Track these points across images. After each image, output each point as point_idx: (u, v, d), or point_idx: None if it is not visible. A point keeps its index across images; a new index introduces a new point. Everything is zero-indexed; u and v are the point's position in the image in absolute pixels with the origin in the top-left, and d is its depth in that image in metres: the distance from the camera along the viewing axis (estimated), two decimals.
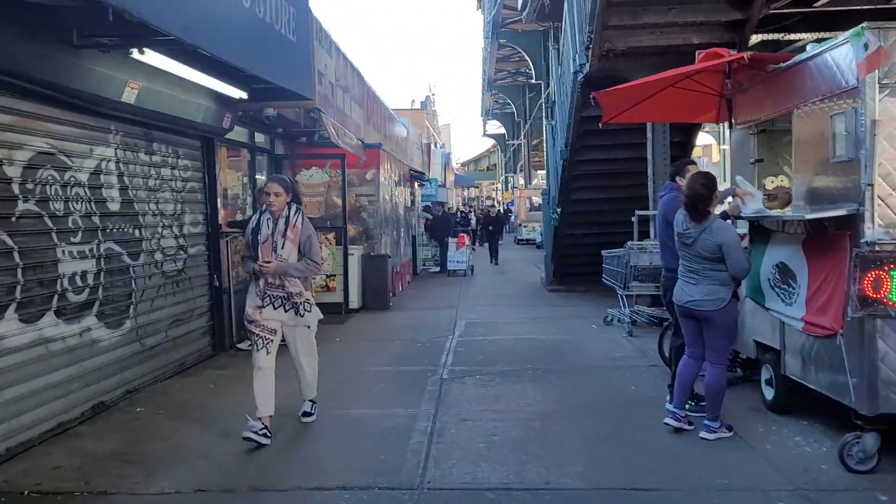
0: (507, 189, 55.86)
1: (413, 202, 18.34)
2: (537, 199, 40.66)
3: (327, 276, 11.20)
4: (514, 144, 48.59)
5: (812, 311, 4.79)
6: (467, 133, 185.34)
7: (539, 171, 53.39)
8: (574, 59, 10.18)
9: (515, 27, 30.66)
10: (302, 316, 5.42)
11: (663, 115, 7.39)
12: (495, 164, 71.49)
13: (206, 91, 7.35)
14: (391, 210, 14.11)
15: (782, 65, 5.27)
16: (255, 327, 5.36)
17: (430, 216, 19.92)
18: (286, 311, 5.38)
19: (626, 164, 11.84)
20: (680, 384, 5.28)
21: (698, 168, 5.51)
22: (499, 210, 23.10)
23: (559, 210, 13.01)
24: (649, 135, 9.91)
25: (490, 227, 23.12)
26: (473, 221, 27.95)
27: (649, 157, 9.97)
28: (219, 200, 8.50)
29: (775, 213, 5.05)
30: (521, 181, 47.07)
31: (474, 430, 5.39)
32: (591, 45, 9.32)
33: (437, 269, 19.17)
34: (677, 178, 5.64)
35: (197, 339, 8.02)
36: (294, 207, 5.37)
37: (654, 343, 8.39)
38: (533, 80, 33.02)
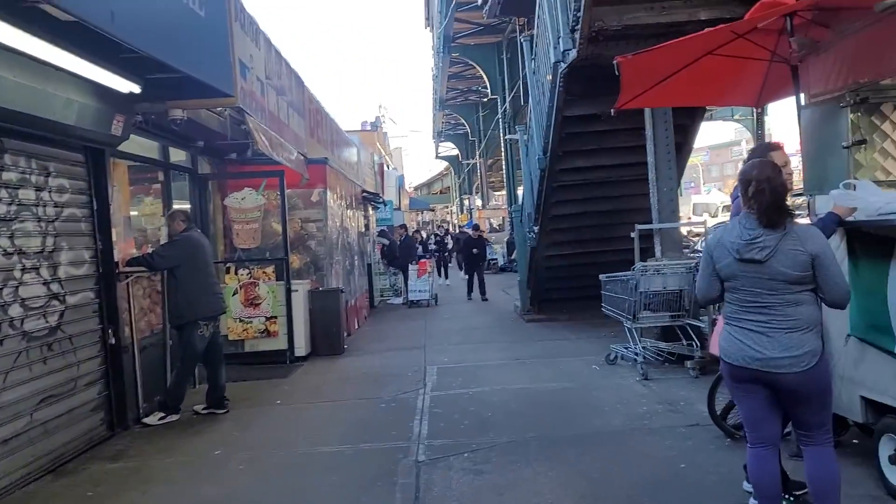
0: (462, 211, 54.41)
1: (367, 226, 16.43)
2: (496, 221, 39.19)
3: (267, 319, 9.23)
4: (468, 164, 47.14)
5: None
6: (419, 157, 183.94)
7: (496, 192, 52.20)
8: (554, 49, 8.49)
9: (468, 41, 29.26)
10: None
11: (696, 95, 5.66)
12: (448, 187, 70.19)
13: (81, 82, 5.40)
14: (343, 236, 12.19)
15: None
16: None
17: (386, 241, 17.97)
18: None
19: (617, 171, 10.21)
20: (764, 496, 3.43)
21: (785, 154, 3.79)
22: (481, 232, 19.06)
23: (536, 229, 11.29)
24: (649, 132, 8.24)
25: (474, 251, 17.19)
26: (451, 245, 24.83)
27: (650, 158, 8.30)
28: (114, 231, 6.50)
29: None
30: (479, 202, 45.59)
31: None
32: (578, 26, 7.65)
33: (399, 299, 17.25)
34: None
35: (84, 418, 5.96)
36: None
37: (677, 388, 6.73)
38: (488, 96, 31.62)
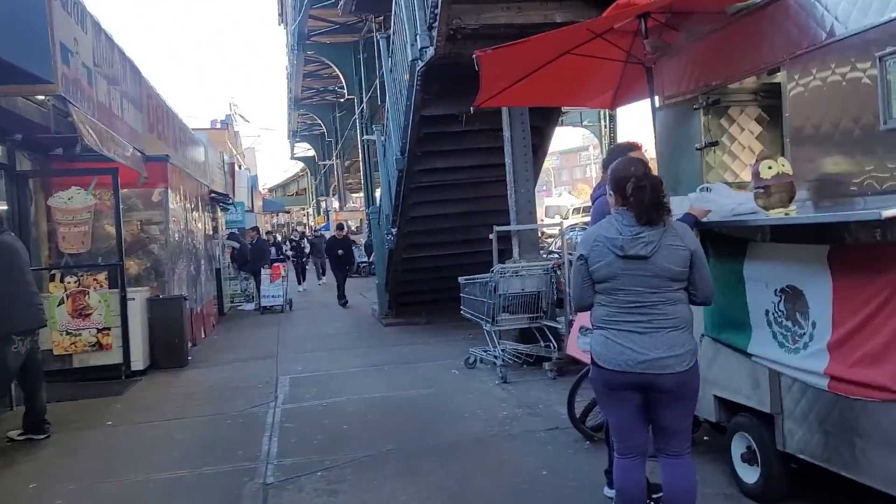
0: (319, 213, 53.36)
1: (216, 229, 15.51)
2: (353, 223, 38.65)
3: (99, 331, 8.36)
4: (325, 166, 46.30)
5: (845, 361, 3.13)
6: (273, 157, 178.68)
7: (354, 194, 51.65)
8: (412, 46, 8.28)
9: (323, 39, 28.60)
10: None
11: (554, 94, 5.58)
12: (305, 189, 68.68)
13: None
14: (187, 239, 11.36)
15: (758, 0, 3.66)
16: None
17: (236, 245, 17.02)
18: None
19: (475, 173, 10.15)
20: None
21: (643, 154, 3.75)
22: (347, 232, 17.81)
23: (394, 231, 11.05)
24: (506, 133, 8.22)
25: (339, 252, 16.07)
26: (307, 249, 23.12)
27: (508, 160, 8.28)
28: None
29: (775, 214, 3.37)
30: (336, 204, 44.87)
31: None
32: (435, 24, 7.48)
33: (251, 305, 16.43)
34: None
35: None
36: None
37: (536, 391, 6.74)
38: (345, 96, 31.05)
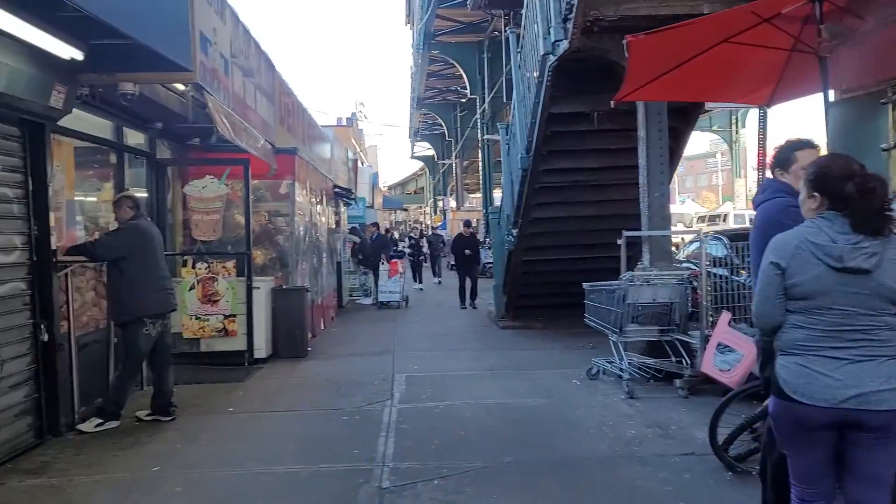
0: (436, 213, 53.80)
1: (338, 223, 15.78)
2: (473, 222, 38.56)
3: (225, 317, 8.56)
4: (444, 165, 46.59)
5: None
6: (394, 156, 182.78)
7: (471, 195, 51.73)
8: (544, 39, 7.96)
9: (449, 39, 28.71)
10: None
11: (705, 88, 5.06)
12: (422, 188, 69.54)
13: (12, 43, 4.73)
14: (311, 232, 11.54)
15: None
16: None
17: (357, 239, 17.30)
18: None
19: (603, 175, 9.71)
20: None
21: (819, 152, 3.28)
22: (473, 230, 16.72)
23: (515, 232, 10.75)
24: (641, 134, 7.73)
25: (466, 252, 15.07)
26: (426, 247, 21.65)
27: (641, 161, 7.78)
28: (52, 216, 5.80)
29: None
30: (453, 203, 45.05)
31: None
32: (571, 15, 7.12)
33: (369, 300, 16.62)
34: (778, 173, 3.38)
35: (6, 424, 5.26)
36: None
37: (667, 409, 6.25)
38: (467, 95, 31.10)
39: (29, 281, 5.61)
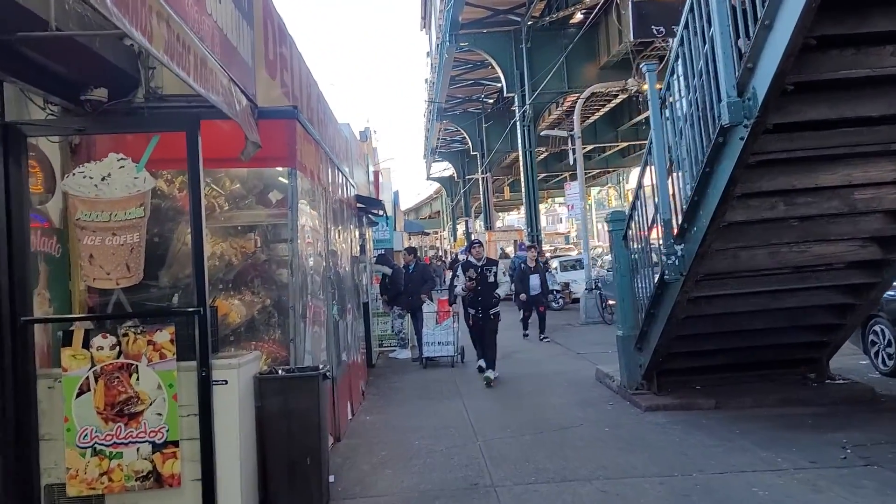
0: (455, 237, 49.35)
1: (363, 248, 11.17)
2: (508, 247, 33.73)
3: (155, 448, 4.01)
4: (468, 181, 42.08)
5: None
6: (406, 180, 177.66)
7: (502, 214, 47.23)
8: None
9: (478, 30, 24.36)
10: None
11: None
12: (439, 211, 65.19)
13: None
14: (330, 261, 6.94)
15: None
16: None
17: (388, 270, 12.53)
18: None
19: (881, 133, 5.13)
20: None
21: None
22: (538, 255, 14.47)
23: (679, 249, 6.16)
24: None
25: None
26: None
27: None
28: None
29: None
30: (478, 224, 40.51)
31: None
32: None
33: (406, 352, 12.03)
34: None
35: None
36: None
37: None
38: (496, 99, 26.67)
39: None
